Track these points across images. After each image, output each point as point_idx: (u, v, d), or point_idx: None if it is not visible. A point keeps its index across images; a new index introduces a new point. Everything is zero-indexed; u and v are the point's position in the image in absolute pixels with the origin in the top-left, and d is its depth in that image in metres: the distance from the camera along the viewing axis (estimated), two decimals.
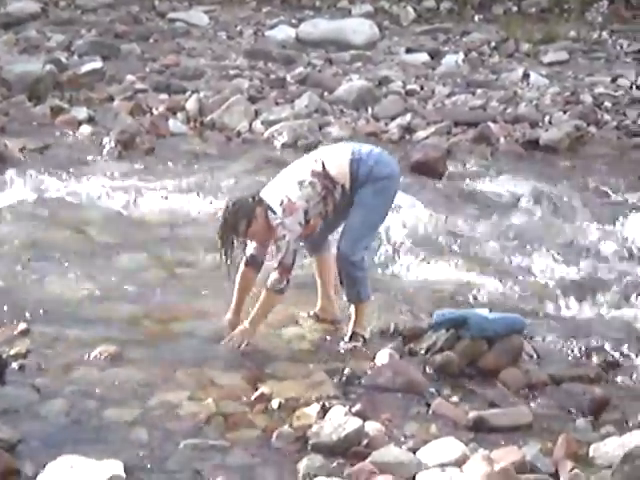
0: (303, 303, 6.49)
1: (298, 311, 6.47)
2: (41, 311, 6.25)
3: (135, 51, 15.13)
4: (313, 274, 6.43)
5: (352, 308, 6.18)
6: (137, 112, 11.85)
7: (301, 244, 6.17)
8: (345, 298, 6.17)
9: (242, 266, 6.09)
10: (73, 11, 18.13)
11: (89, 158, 10.23)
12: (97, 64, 13.47)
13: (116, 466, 4.41)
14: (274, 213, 5.79)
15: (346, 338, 6.12)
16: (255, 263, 6.08)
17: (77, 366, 5.53)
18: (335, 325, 6.32)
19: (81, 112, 11.61)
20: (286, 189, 5.87)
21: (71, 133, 11.03)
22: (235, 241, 5.84)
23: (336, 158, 6.02)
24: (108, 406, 5.11)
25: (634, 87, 14.45)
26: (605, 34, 18.48)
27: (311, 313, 6.40)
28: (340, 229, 6.16)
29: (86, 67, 13.24)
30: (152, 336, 6.05)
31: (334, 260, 6.19)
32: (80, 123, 11.31)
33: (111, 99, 12.34)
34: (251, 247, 6.01)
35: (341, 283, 6.12)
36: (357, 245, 6.02)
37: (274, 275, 5.84)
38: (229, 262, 5.91)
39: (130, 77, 13.28)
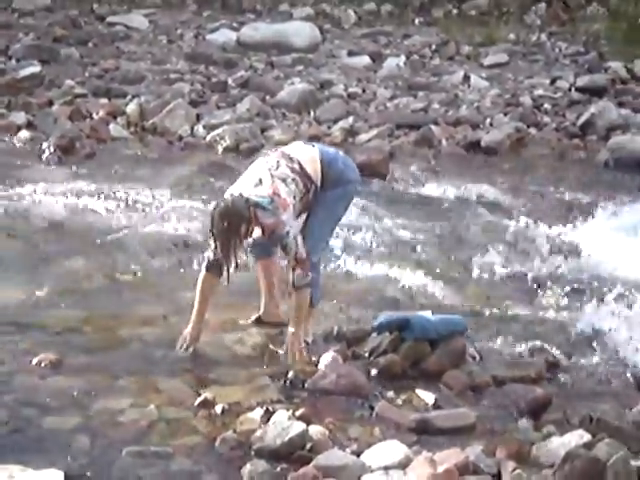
0: (247, 307, 6.46)
1: (241, 315, 6.44)
2: None
3: (74, 55, 15.04)
4: (257, 277, 6.39)
5: None
6: (77, 117, 11.78)
7: (249, 248, 6.09)
8: None
9: (203, 272, 5.85)
10: (10, 14, 17.97)
11: (28, 163, 10.13)
12: (36, 68, 13.38)
13: (57, 475, 4.35)
14: (264, 210, 5.57)
15: None
16: (216, 268, 5.77)
17: (17, 374, 5.44)
18: (279, 329, 6.28)
19: (20, 117, 11.51)
20: (270, 185, 5.62)
21: (9, 138, 10.91)
22: (237, 243, 5.57)
23: (308, 157, 5.85)
24: (48, 414, 5.03)
25: (573, 89, 14.64)
26: (544, 36, 18.75)
27: (254, 317, 6.36)
28: None
29: (24, 71, 13.16)
30: (93, 343, 5.97)
31: (278, 263, 6.16)
32: (19, 128, 11.21)
33: (50, 104, 12.25)
34: (210, 251, 5.74)
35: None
36: (317, 246, 5.95)
37: (296, 272, 5.68)
38: (233, 266, 5.64)
39: (69, 82, 13.19)
